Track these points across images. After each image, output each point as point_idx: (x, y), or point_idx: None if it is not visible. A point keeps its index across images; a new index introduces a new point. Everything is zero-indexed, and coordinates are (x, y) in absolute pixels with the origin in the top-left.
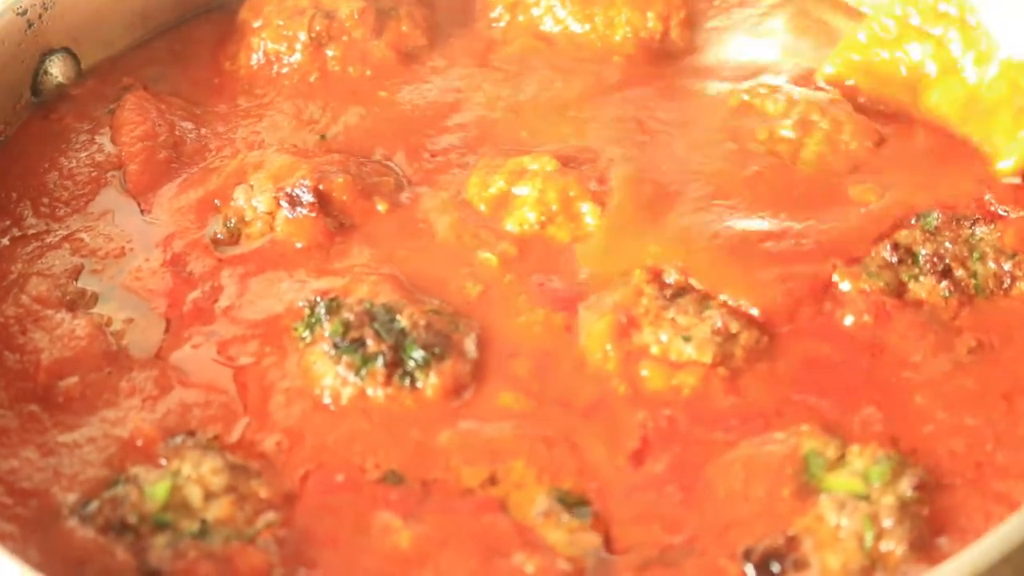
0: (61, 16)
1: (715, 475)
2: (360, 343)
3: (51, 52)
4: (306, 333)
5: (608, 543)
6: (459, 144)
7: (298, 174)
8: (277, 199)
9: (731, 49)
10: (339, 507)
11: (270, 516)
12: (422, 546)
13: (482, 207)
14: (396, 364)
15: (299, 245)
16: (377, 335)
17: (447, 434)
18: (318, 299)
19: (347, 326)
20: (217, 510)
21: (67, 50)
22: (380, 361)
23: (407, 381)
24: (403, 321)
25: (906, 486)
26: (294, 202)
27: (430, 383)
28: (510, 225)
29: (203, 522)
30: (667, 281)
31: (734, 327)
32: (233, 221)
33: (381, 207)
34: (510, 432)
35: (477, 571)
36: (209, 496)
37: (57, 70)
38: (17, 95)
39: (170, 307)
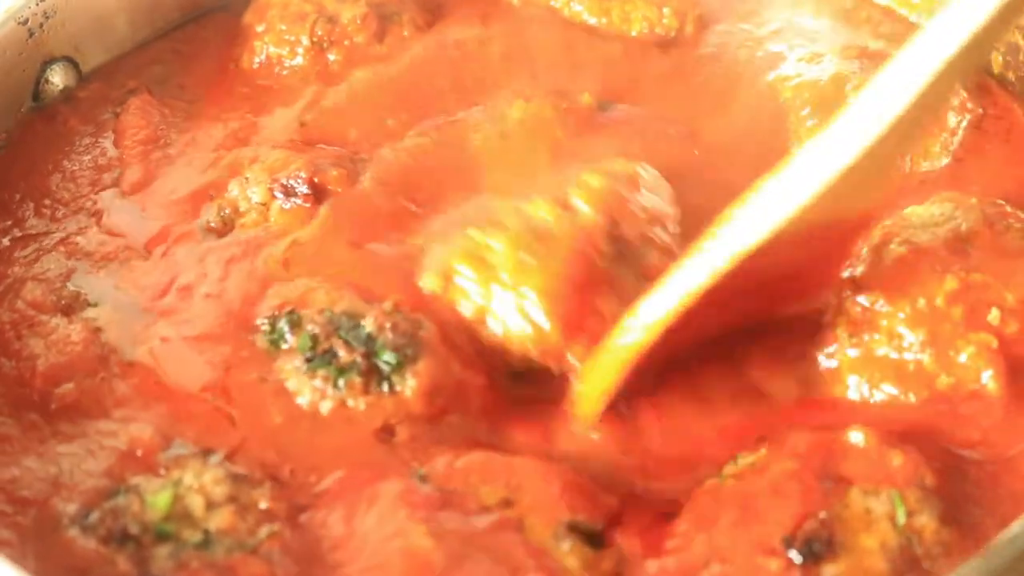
0: (62, 25)
1: (739, 476)
2: (331, 354)
3: (52, 61)
4: (272, 349)
5: (627, 569)
6: None
7: (293, 166)
8: (272, 190)
9: (742, 46)
10: (345, 516)
11: (273, 526)
12: (434, 556)
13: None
14: (371, 371)
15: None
16: (347, 344)
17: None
18: (276, 314)
19: (315, 339)
20: (219, 520)
21: (68, 59)
22: (355, 371)
23: (385, 386)
24: (368, 326)
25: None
26: (289, 192)
27: (408, 385)
28: None
29: (205, 532)
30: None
31: None
32: (227, 211)
33: None
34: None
35: None
36: (211, 506)
37: (58, 79)
38: (18, 103)
39: (161, 306)
